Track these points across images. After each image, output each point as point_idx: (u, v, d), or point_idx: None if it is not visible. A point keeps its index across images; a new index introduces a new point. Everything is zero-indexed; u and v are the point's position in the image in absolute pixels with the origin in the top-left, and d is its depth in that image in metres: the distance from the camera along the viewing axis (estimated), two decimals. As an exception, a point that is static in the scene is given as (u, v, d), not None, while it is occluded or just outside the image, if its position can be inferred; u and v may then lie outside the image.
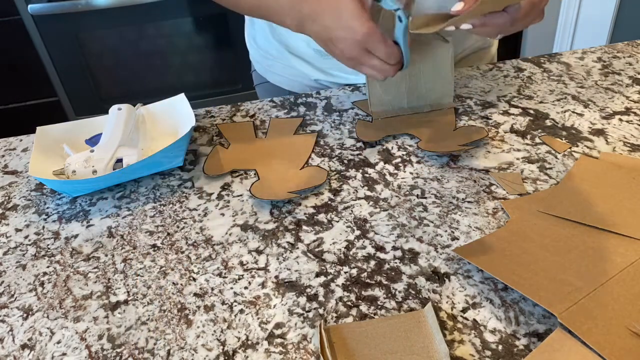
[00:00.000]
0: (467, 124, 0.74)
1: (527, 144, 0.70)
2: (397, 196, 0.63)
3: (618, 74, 0.84)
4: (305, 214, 0.61)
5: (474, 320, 0.48)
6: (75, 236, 0.61)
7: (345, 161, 0.69)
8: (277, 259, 0.56)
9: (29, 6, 1.73)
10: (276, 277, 0.54)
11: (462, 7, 0.58)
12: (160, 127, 0.75)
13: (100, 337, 0.49)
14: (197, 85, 2.05)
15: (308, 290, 0.52)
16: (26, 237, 0.61)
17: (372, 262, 0.55)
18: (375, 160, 0.69)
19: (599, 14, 1.98)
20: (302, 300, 0.51)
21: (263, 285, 0.53)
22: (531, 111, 0.76)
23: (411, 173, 0.66)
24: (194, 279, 0.54)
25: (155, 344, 0.48)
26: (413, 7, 0.61)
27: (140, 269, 0.56)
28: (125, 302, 0.52)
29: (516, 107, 0.77)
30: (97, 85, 1.97)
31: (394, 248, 0.56)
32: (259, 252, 0.57)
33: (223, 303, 0.52)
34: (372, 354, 0.45)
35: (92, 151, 0.66)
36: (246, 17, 0.91)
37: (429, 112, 0.76)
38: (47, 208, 0.65)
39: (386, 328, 0.47)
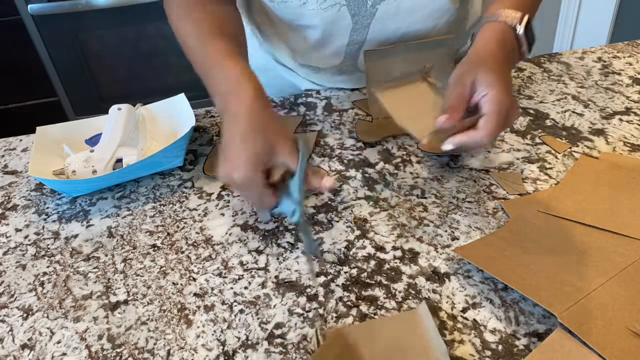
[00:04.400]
0: (467, 124, 0.74)
1: (527, 144, 0.70)
2: (397, 196, 0.63)
3: (618, 74, 0.84)
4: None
5: (474, 320, 0.48)
6: (75, 236, 0.61)
7: (345, 161, 0.69)
8: (277, 259, 0.56)
9: (29, 6, 1.73)
10: (276, 277, 0.54)
11: (446, 119, 0.55)
12: (160, 127, 0.75)
13: (100, 337, 0.49)
14: (197, 85, 2.04)
15: (308, 290, 0.52)
16: (26, 237, 0.61)
17: (372, 262, 0.55)
18: (375, 160, 0.69)
19: (599, 14, 1.98)
20: (302, 300, 0.51)
21: (263, 285, 0.53)
22: (531, 111, 0.76)
23: (411, 173, 0.66)
24: (194, 279, 0.54)
25: (155, 344, 0.48)
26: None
27: (140, 269, 0.56)
28: (125, 302, 0.52)
29: (516, 107, 0.77)
30: (97, 85, 1.97)
31: (394, 248, 0.56)
32: (259, 252, 0.57)
33: (223, 303, 0.52)
34: (370, 356, 0.45)
35: (92, 151, 0.66)
36: None
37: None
38: (47, 208, 0.65)
39: (382, 329, 0.47)
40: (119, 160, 0.66)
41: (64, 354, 0.48)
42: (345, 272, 0.54)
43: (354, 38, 0.75)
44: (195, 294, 0.53)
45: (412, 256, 0.55)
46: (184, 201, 0.64)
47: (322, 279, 0.53)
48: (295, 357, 0.46)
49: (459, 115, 0.55)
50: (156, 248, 0.58)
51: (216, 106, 0.59)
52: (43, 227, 0.62)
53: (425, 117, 0.58)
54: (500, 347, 0.46)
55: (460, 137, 0.55)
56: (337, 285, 0.52)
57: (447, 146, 0.56)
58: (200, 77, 0.63)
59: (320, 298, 0.51)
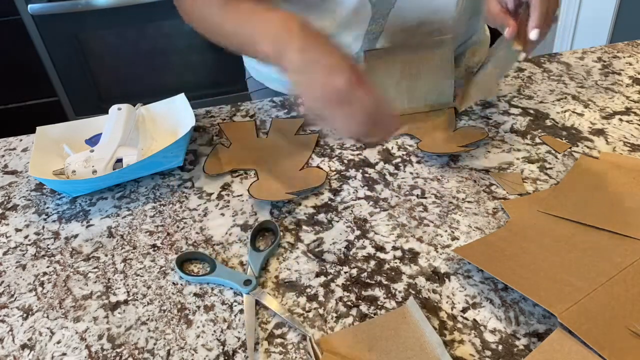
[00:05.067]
0: (467, 124, 0.74)
1: (527, 144, 0.70)
2: (397, 196, 0.63)
3: (618, 74, 0.84)
4: (305, 214, 0.61)
5: (474, 320, 0.48)
6: (75, 236, 0.61)
7: (345, 161, 0.69)
8: (277, 259, 0.56)
9: (29, 6, 1.73)
10: (276, 277, 0.54)
11: (511, 30, 0.61)
12: (160, 127, 0.75)
13: (100, 337, 0.49)
14: (197, 85, 2.05)
15: (308, 290, 0.52)
16: (26, 237, 0.61)
17: (372, 262, 0.55)
18: (375, 160, 0.69)
19: (599, 14, 1.97)
20: (302, 300, 0.51)
21: (263, 285, 0.53)
22: (531, 111, 0.76)
23: (411, 173, 0.66)
24: (194, 279, 0.54)
25: (155, 344, 0.48)
26: None
27: (140, 269, 0.56)
28: (125, 302, 0.52)
29: (516, 107, 0.77)
30: (97, 85, 1.97)
31: (394, 248, 0.56)
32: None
33: (223, 303, 0.52)
34: (368, 359, 0.45)
35: (92, 151, 0.66)
36: None
37: (429, 112, 0.76)
38: (47, 208, 0.65)
39: (375, 330, 0.47)
40: (119, 160, 0.66)
41: (64, 354, 0.48)
42: (345, 272, 0.54)
43: (372, 27, 0.75)
44: (195, 294, 0.53)
45: (412, 256, 0.55)
46: (184, 201, 0.64)
47: (322, 278, 0.53)
48: (295, 357, 0.46)
49: (512, 21, 0.61)
50: (156, 248, 0.58)
51: (266, 51, 0.55)
52: (43, 227, 0.62)
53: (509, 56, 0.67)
54: (500, 347, 0.46)
55: (533, 19, 0.60)
56: (337, 285, 0.52)
57: (533, 33, 0.60)
58: (229, 42, 0.62)
59: (320, 298, 0.51)
